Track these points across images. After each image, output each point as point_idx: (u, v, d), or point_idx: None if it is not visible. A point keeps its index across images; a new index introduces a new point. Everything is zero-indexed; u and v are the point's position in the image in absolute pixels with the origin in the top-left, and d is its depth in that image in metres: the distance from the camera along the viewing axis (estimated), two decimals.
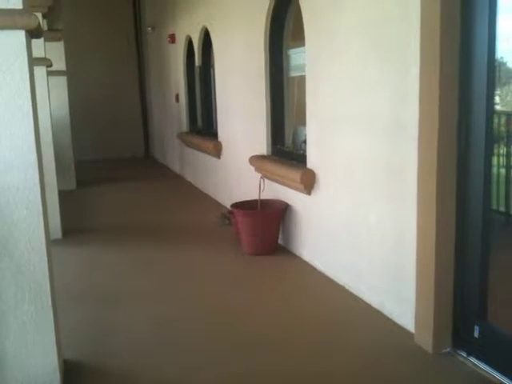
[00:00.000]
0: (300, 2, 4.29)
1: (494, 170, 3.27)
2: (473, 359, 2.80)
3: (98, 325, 3.47)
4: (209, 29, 6.81)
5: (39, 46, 5.09)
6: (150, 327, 3.40)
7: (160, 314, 3.60)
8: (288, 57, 5.00)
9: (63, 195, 5.87)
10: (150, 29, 10.18)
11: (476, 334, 2.78)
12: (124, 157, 10.94)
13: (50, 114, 5.48)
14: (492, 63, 2.61)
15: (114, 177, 9.16)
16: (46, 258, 2.51)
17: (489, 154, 2.72)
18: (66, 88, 8.03)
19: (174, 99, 8.86)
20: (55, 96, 7.30)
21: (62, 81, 7.93)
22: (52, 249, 2.73)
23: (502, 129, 3.71)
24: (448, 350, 2.93)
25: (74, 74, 9.43)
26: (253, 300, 3.78)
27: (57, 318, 2.68)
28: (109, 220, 6.33)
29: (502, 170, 3.82)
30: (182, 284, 4.16)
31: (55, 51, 7.32)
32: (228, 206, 5.18)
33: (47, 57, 5.50)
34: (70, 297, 3.87)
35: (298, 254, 4.64)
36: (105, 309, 3.72)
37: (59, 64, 7.55)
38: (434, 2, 2.69)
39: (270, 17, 4.92)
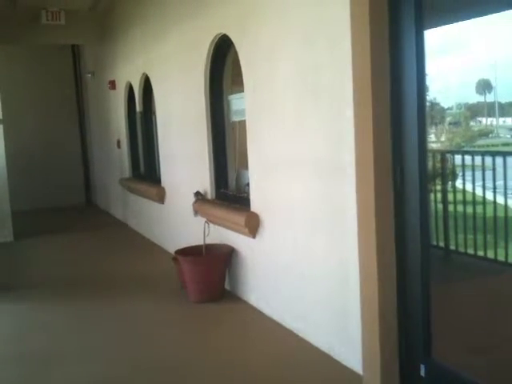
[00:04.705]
0: (237, 50, 4.35)
1: (433, 205, 3.34)
2: None
3: None
4: (149, 75, 6.81)
5: None
6: None
7: (99, 375, 3.39)
8: (229, 102, 5.04)
9: None
10: (89, 75, 10.10)
11: (422, 373, 2.77)
12: (65, 205, 10.60)
13: None
14: (422, 104, 2.69)
15: (53, 227, 8.82)
16: None
17: (424, 191, 2.76)
18: (1, 137, 7.78)
19: (115, 145, 8.74)
20: None
21: None
22: None
23: (438, 165, 3.83)
24: None
25: (11, 123, 9.17)
26: (197, 352, 3.65)
27: None
28: (48, 274, 6.03)
29: (440, 205, 3.92)
30: (124, 340, 3.97)
31: None
32: (173, 253, 5.06)
33: None
34: (3, 359, 3.65)
35: (245, 298, 4.56)
36: (42, 372, 3.50)
37: None
38: (364, 47, 2.78)
39: (209, 64, 4.96)
